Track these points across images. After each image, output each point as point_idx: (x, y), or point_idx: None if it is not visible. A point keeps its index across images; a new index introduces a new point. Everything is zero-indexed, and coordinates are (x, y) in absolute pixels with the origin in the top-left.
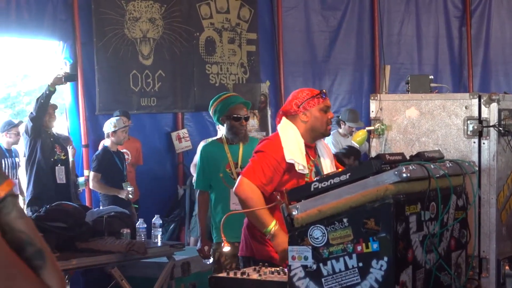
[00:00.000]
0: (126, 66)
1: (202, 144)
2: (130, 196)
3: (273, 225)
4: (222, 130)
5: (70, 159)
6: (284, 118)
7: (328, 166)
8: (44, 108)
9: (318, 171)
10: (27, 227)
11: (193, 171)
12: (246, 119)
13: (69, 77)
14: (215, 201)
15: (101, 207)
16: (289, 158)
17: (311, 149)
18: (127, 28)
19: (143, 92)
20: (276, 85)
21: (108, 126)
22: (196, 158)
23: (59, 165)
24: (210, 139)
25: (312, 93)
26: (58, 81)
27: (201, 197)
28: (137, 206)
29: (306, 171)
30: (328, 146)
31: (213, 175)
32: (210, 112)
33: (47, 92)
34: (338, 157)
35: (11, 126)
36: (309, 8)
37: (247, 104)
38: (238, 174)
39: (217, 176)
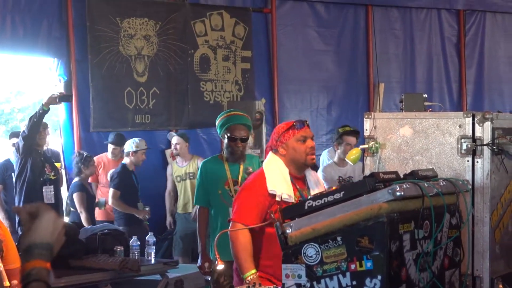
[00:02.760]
0: (121, 83)
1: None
2: (147, 216)
3: (250, 274)
4: None
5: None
6: (270, 153)
7: None
8: (36, 127)
9: None
10: None
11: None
12: (243, 140)
13: (64, 98)
14: (214, 217)
15: (115, 225)
16: (270, 188)
17: (299, 180)
18: (122, 45)
19: (138, 109)
20: (271, 102)
21: (130, 145)
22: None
23: (48, 184)
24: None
25: (288, 125)
26: (52, 101)
27: (202, 213)
28: (148, 223)
29: (292, 200)
30: (318, 176)
31: (212, 191)
32: (217, 124)
33: (40, 112)
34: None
35: None
36: (304, 26)
37: (248, 126)
38: (236, 192)
39: (216, 193)
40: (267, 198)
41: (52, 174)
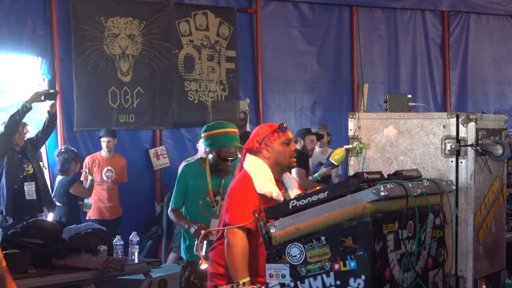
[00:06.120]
0: (105, 82)
1: (183, 164)
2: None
3: (244, 282)
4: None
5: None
6: (248, 155)
7: None
8: (16, 126)
9: None
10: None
11: None
12: (233, 160)
13: (49, 95)
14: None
15: None
16: (259, 188)
17: (278, 183)
18: (106, 45)
19: (122, 109)
20: (255, 102)
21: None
22: None
23: (29, 181)
24: (191, 159)
25: (272, 128)
26: (37, 98)
27: (176, 212)
28: None
29: (281, 198)
30: (294, 178)
31: (192, 200)
32: (202, 134)
33: (23, 109)
34: None
35: None
36: (288, 26)
37: (240, 146)
38: (217, 202)
39: (196, 203)
40: (259, 198)
41: (31, 166)
